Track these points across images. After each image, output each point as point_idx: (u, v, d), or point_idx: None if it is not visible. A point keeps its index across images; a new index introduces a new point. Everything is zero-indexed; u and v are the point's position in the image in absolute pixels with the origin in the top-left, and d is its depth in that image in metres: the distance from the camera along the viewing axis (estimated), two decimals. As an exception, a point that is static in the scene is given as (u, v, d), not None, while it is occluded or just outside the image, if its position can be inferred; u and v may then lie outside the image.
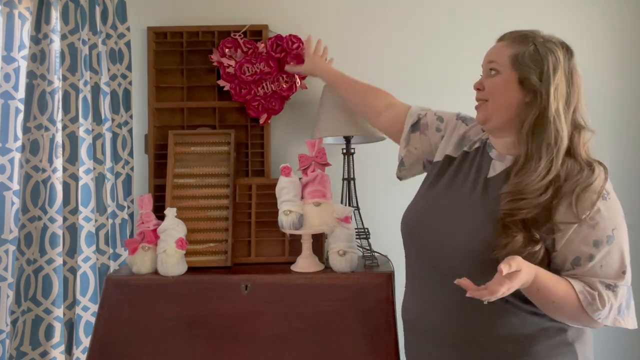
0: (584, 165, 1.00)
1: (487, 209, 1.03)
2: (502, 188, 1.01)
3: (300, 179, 1.62)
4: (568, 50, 1.06)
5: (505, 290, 0.87)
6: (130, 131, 1.93)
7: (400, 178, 1.40)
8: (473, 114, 1.21)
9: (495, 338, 1.04)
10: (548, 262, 1.01)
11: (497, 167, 1.10)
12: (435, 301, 1.10)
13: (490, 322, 1.03)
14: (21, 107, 1.84)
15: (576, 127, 1.03)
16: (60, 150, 1.86)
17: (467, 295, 0.90)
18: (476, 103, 1.14)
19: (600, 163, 1.02)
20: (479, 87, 1.12)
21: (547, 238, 0.98)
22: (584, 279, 0.99)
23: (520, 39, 1.07)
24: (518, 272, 0.88)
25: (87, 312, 1.82)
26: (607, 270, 0.98)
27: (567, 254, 0.99)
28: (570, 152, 1.02)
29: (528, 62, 1.03)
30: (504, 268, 0.85)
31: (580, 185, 0.97)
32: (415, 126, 1.32)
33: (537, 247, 0.97)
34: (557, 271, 1.01)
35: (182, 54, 1.98)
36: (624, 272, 0.98)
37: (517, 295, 0.99)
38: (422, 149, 1.30)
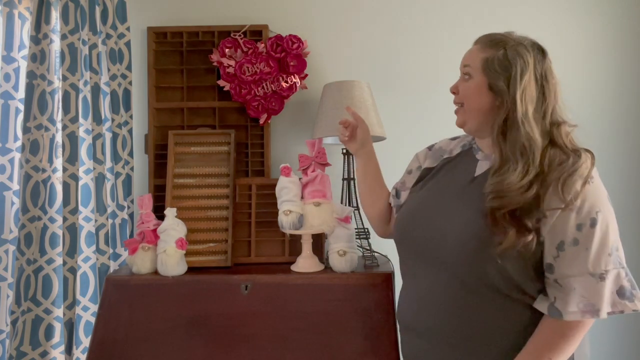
0: (569, 153, 1.01)
1: (475, 204, 1.05)
2: (485, 187, 1.03)
3: (300, 179, 1.62)
4: (541, 52, 1.07)
5: None
6: (130, 131, 1.93)
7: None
8: None
9: (492, 332, 1.04)
10: (540, 253, 1.01)
11: (483, 166, 1.13)
12: (431, 299, 1.10)
13: (486, 316, 1.04)
14: (21, 107, 1.84)
15: (553, 124, 1.05)
16: (60, 150, 1.86)
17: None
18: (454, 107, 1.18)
19: (587, 150, 1.03)
20: (454, 91, 1.15)
21: (535, 227, 0.99)
22: (563, 281, 0.99)
23: (492, 43, 1.09)
24: None
25: (87, 312, 1.82)
26: (593, 253, 0.97)
27: (552, 238, 0.99)
28: (556, 144, 1.03)
29: (496, 68, 1.06)
30: None
31: (566, 172, 0.98)
32: (397, 194, 1.34)
33: (530, 237, 0.97)
34: (542, 262, 1.02)
35: (182, 54, 1.98)
36: (609, 255, 0.97)
37: (515, 287, 1.01)
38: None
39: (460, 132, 1.22)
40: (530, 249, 0.98)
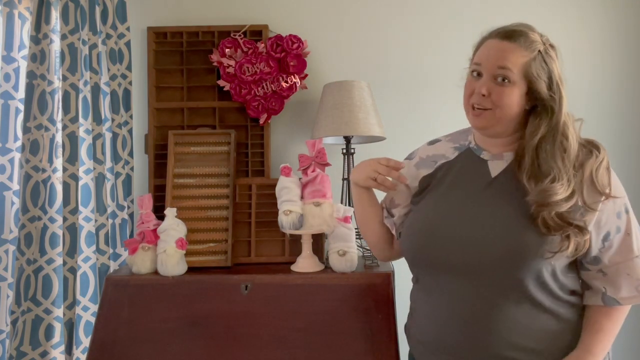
0: (589, 147, 1.03)
1: (507, 206, 1.02)
2: (529, 196, 0.99)
3: (300, 179, 1.62)
4: (556, 50, 1.05)
5: None
6: (130, 131, 1.93)
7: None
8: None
9: (524, 346, 1.01)
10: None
11: (497, 166, 1.09)
12: (460, 312, 1.04)
13: (521, 329, 1.01)
14: (21, 107, 1.84)
15: (568, 121, 1.04)
16: (60, 150, 1.86)
17: None
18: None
19: (594, 141, 1.05)
20: (485, 93, 1.03)
21: (583, 222, 0.99)
22: (610, 269, 1.02)
23: (526, 41, 1.01)
24: None
25: (87, 312, 1.82)
26: (634, 237, 1.02)
27: (598, 231, 1.01)
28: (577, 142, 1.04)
29: (539, 73, 1.01)
30: None
31: (595, 166, 1.00)
32: (388, 215, 1.27)
33: (587, 236, 0.99)
34: (587, 255, 1.03)
35: (182, 54, 1.98)
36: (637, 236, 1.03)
37: (559, 287, 1.02)
38: (404, 204, 1.24)
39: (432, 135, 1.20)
40: (585, 248, 0.99)
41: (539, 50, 1.01)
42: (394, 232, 1.26)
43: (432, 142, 1.25)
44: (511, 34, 1.03)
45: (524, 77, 1.01)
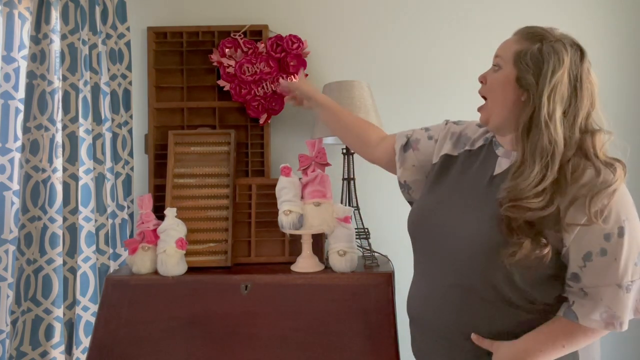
0: (601, 168, 0.94)
1: (490, 207, 1.01)
2: (499, 192, 0.99)
3: (300, 179, 1.62)
4: (580, 52, 1.00)
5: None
6: (130, 131, 1.93)
7: (410, 202, 1.31)
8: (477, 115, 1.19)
9: (495, 335, 1.03)
10: (556, 261, 0.98)
11: (502, 164, 1.08)
12: (442, 296, 1.09)
13: (490, 320, 1.03)
14: (21, 107, 1.84)
15: (587, 131, 0.98)
16: (60, 150, 1.86)
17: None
18: (478, 104, 1.12)
19: (619, 161, 0.97)
20: (481, 80, 1.09)
21: (555, 236, 0.95)
22: (590, 290, 0.96)
23: (530, 35, 1.02)
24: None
25: (87, 312, 1.82)
26: (622, 264, 0.94)
27: (578, 248, 0.96)
28: (586, 154, 0.97)
29: (528, 61, 0.99)
30: (475, 339, 1.03)
31: (596, 189, 0.93)
32: (407, 146, 1.28)
33: (546, 251, 0.93)
34: (565, 267, 0.99)
35: (182, 54, 1.98)
36: (635, 264, 0.94)
37: (522, 295, 1.00)
38: (420, 164, 1.26)
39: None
40: (545, 262, 0.94)
41: (542, 42, 0.99)
42: (397, 158, 1.28)
43: (480, 125, 1.20)
44: (518, 30, 1.06)
45: (513, 63, 1.02)
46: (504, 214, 0.95)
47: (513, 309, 1.01)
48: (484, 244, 1.00)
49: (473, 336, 1.03)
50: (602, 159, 0.96)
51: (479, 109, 1.11)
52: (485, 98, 1.09)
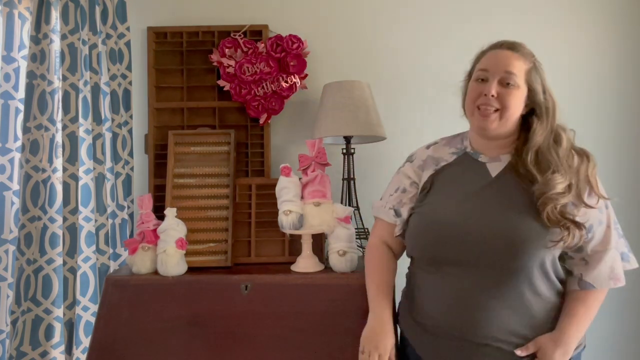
0: (582, 154, 1.14)
1: (515, 204, 1.11)
2: (534, 185, 1.10)
3: (300, 179, 1.62)
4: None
5: None
6: (130, 131, 1.93)
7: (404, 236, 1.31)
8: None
9: (534, 329, 1.11)
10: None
11: (495, 167, 1.18)
12: (463, 300, 1.13)
13: (531, 315, 1.11)
14: (21, 107, 1.84)
15: (562, 128, 1.16)
16: (60, 150, 1.86)
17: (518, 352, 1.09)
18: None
19: (587, 150, 1.16)
20: (493, 94, 1.14)
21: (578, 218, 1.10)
22: (592, 257, 1.12)
23: (527, 52, 1.16)
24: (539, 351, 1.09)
25: (87, 312, 1.82)
26: (612, 230, 1.13)
27: (585, 223, 1.10)
28: (570, 146, 1.15)
29: (537, 79, 1.15)
30: (520, 352, 1.09)
31: (590, 170, 1.12)
32: (397, 212, 1.29)
33: (583, 231, 1.08)
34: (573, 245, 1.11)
35: (182, 54, 1.98)
36: (616, 228, 1.15)
37: (548, 280, 1.11)
38: (410, 204, 1.28)
39: (428, 139, 1.26)
40: (582, 240, 1.08)
41: (534, 62, 1.16)
42: (397, 230, 1.29)
43: (429, 146, 1.32)
44: (514, 46, 1.17)
45: (525, 82, 1.14)
46: (544, 208, 1.07)
47: (541, 299, 1.11)
48: (519, 236, 1.08)
49: (517, 351, 1.10)
50: (578, 149, 1.15)
51: (485, 114, 1.15)
52: (496, 110, 1.15)
